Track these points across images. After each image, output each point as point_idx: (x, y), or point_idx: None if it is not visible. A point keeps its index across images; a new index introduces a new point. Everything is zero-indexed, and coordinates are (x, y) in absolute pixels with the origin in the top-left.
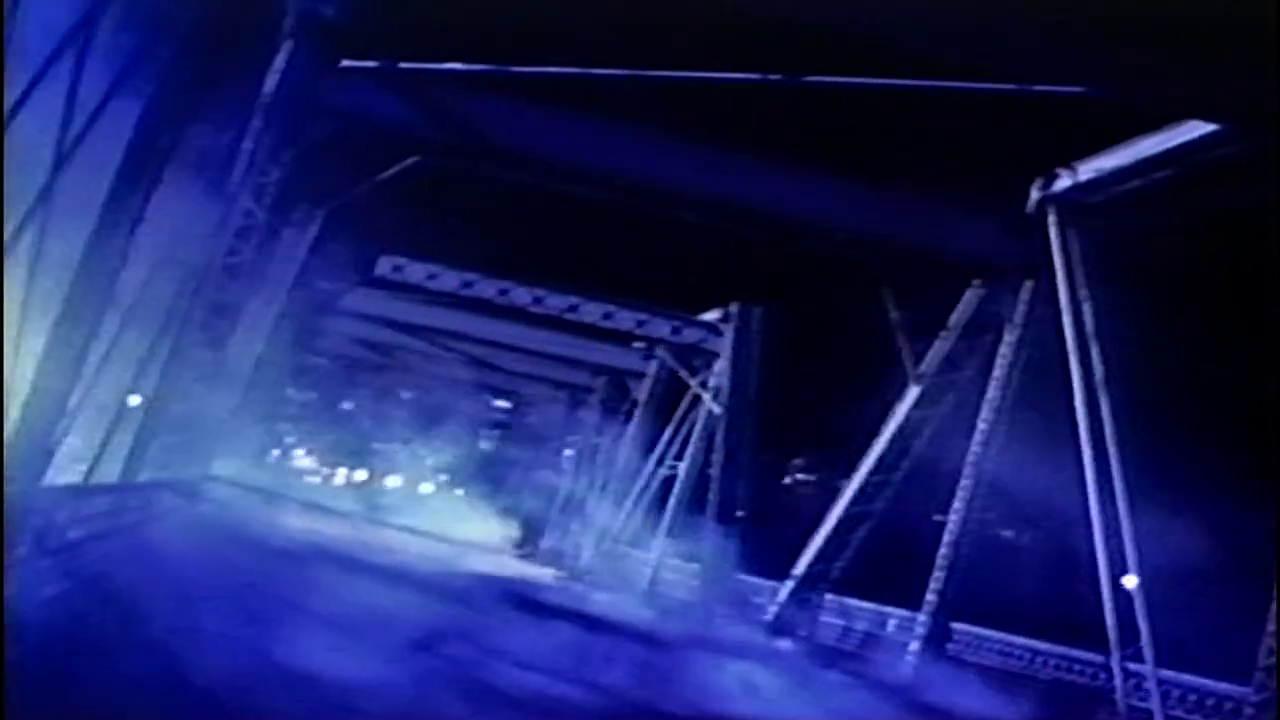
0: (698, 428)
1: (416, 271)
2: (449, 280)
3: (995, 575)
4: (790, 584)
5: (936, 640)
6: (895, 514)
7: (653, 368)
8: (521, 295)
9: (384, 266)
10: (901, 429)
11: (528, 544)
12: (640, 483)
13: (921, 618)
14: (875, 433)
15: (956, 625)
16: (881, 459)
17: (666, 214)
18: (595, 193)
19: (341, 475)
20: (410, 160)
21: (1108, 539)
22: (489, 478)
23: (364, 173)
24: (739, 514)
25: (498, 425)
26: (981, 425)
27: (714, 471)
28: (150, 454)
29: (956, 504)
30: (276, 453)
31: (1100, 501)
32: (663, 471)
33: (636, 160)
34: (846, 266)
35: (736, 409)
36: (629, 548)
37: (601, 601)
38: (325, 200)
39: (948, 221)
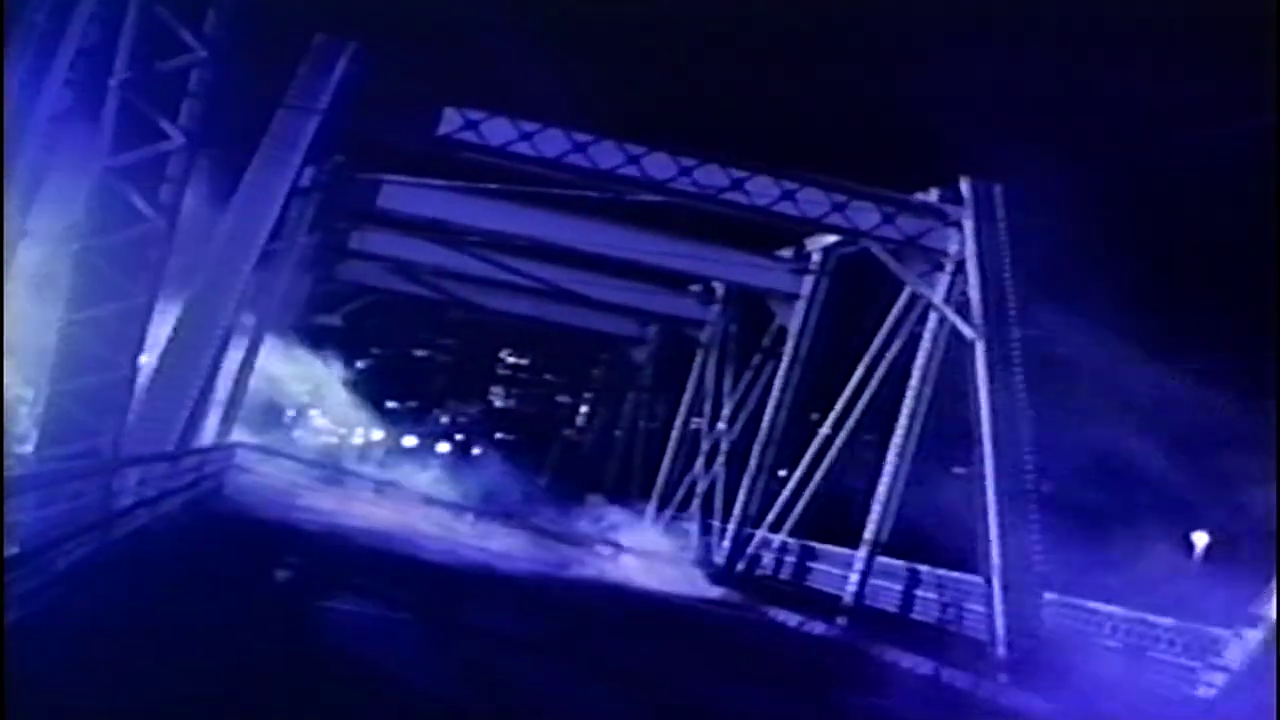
0: (919, 363)
1: (501, 129)
2: (552, 142)
3: None
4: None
5: None
6: None
7: (806, 286)
8: (661, 164)
9: (452, 122)
10: None
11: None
12: (813, 448)
13: None
14: None
15: None
16: None
17: None
18: None
19: (359, 435)
20: None
21: None
22: (533, 440)
23: None
24: (1028, 489)
25: (544, 381)
26: None
27: (983, 427)
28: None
29: None
30: (291, 413)
31: None
32: (847, 426)
33: None
34: None
35: (994, 334)
36: (797, 540)
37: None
38: None
39: None
